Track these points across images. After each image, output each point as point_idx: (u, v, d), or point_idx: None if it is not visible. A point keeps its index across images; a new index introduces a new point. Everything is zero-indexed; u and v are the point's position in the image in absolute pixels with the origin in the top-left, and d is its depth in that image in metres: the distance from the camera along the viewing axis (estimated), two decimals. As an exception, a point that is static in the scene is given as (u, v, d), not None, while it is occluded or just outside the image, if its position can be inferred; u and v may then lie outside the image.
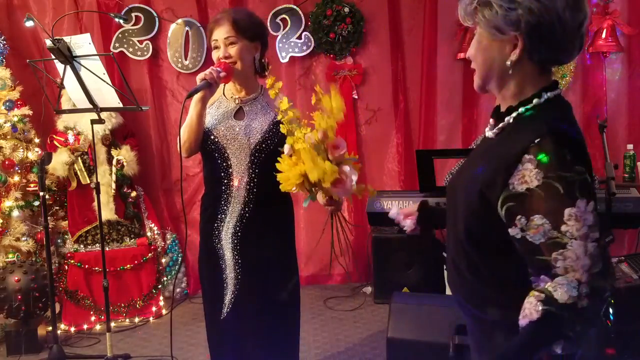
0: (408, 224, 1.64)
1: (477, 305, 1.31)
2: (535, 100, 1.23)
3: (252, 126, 2.40)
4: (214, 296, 2.46)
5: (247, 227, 2.38)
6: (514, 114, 1.25)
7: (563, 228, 1.11)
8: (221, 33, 2.33)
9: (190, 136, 2.34)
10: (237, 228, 2.38)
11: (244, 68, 2.38)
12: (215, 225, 2.42)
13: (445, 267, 2.90)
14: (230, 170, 2.39)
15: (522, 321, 1.13)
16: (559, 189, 1.12)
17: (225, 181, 2.39)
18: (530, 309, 1.12)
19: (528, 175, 1.14)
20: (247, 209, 2.38)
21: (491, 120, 1.35)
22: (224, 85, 2.49)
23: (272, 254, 2.30)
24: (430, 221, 1.65)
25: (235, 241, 2.39)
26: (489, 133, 1.33)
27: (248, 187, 2.38)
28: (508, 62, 1.22)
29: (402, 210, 1.67)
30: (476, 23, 1.24)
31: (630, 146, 4.06)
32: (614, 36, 4.23)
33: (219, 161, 2.39)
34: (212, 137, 2.37)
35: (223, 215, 2.40)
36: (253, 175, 2.38)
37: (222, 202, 2.40)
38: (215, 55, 2.35)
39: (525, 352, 1.15)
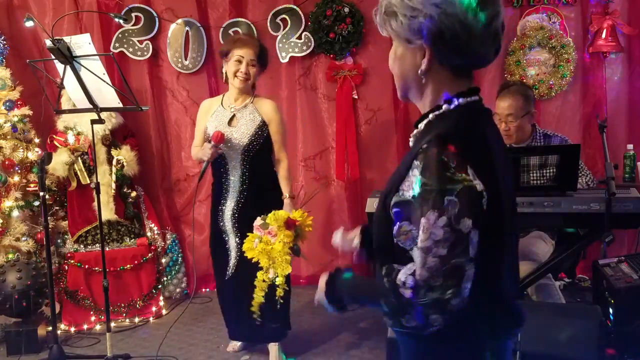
0: (348, 246, 1.51)
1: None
2: (444, 107, 1.20)
3: (241, 131, 3.04)
4: (221, 262, 3.18)
5: (244, 209, 3.07)
6: (425, 121, 1.23)
7: (419, 235, 1.09)
8: (248, 54, 3.01)
9: (199, 162, 3.25)
10: (235, 210, 3.11)
11: (251, 84, 3.09)
12: (220, 208, 3.15)
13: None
14: (228, 167, 3.08)
15: None
16: (424, 197, 1.08)
17: (225, 175, 3.10)
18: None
19: (414, 182, 1.11)
20: (242, 196, 3.09)
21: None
22: (223, 95, 3.17)
23: None
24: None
25: (233, 220, 3.11)
26: (410, 145, 1.29)
27: (241, 180, 3.07)
28: (419, 71, 1.20)
29: (346, 235, 1.53)
30: (389, 33, 1.22)
31: (630, 146, 4.05)
32: (614, 36, 4.23)
33: (219, 160, 3.08)
34: (212, 141, 2.98)
35: (224, 201, 3.13)
36: (245, 170, 3.06)
37: (224, 191, 3.12)
38: (234, 66, 3.01)
39: (360, 297, 1.30)
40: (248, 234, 2.42)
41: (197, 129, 3.23)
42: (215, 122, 3.07)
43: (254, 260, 2.38)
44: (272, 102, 3.20)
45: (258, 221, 2.42)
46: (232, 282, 3.14)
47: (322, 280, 1.35)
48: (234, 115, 3.08)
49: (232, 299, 3.18)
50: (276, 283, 2.40)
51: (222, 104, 3.13)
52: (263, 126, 3.07)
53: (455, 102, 1.19)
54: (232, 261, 3.13)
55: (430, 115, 1.22)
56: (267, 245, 2.33)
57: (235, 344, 3.40)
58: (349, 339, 3.54)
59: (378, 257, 1.28)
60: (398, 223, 1.14)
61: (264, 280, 2.38)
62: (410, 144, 1.28)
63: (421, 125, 1.24)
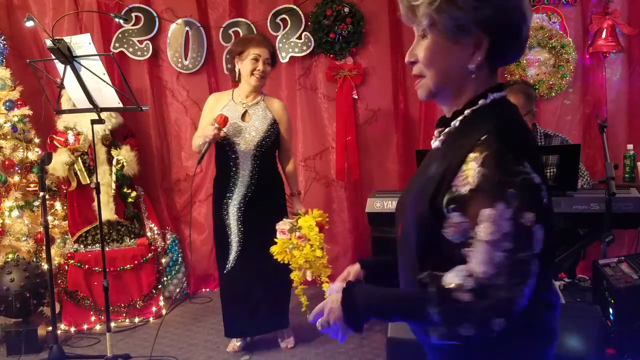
0: None
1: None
2: (480, 102, 1.15)
3: (255, 126, 3.12)
4: (221, 255, 3.23)
5: (249, 205, 3.15)
6: (460, 118, 1.16)
7: (477, 228, 1.02)
8: (264, 53, 3.10)
9: (198, 152, 3.05)
10: (241, 204, 3.15)
11: (265, 82, 3.19)
12: (224, 201, 3.17)
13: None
14: (238, 161, 3.12)
15: None
16: (486, 187, 1.02)
17: (234, 169, 3.13)
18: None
19: (471, 176, 1.04)
20: (249, 191, 3.14)
21: (436, 132, 1.25)
22: (233, 91, 3.23)
23: (268, 225, 2.64)
24: (379, 276, 1.45)
25: (239, 214, 3.15)
26: (435, 144, 1.23)
27: (251, 174, 3.13)
28: (472, 66, 1.12)
29: (344, 276, 1.42)
30: (432, 24, 1.12)
31: (630, 146, 4.06)
32: (614, 36, 4.23)
33: (229, 153, 3.12)
34: (225, 134, 3.04)
35: (230, 194, 3.16)
36: (255, 165, 3.12)
37: (231, 185, 3.15)
38: (251, 65, 3.08)
39: (390, 309, 1.13)
40: (277, 239, 2.46)
41: (202, 120, 3.24)
42: (228, 115, 3.09)
43: (284, 261, 2.44)
44: (280, 101, 3.33)
45: (283, 224, 2.45)
46: (231, 276, 3.21)
47: (333, 301, 1.19)
48: (246, 111, 3.15)
49: (232, 292, 3.24)
50: (323, 289, 2.41)
51: (233, 99, 3.19)
52: (274, 124, 3.18)
53: (491, 97, 1.15)
54: (232, 255, 3.19)
55: (466, 111, 1.15)
56: (300, 250, 2.39)
57: (235, 344, 3.40)
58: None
59: (422, 264, 1.15)
60: (449, 214, 1.07)
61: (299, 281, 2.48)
62: (437, 143, 1.22)
63: (455, 123, 1.17)
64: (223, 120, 2.96)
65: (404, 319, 1.14)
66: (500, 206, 1.00)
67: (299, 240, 2.40)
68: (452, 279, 1.02)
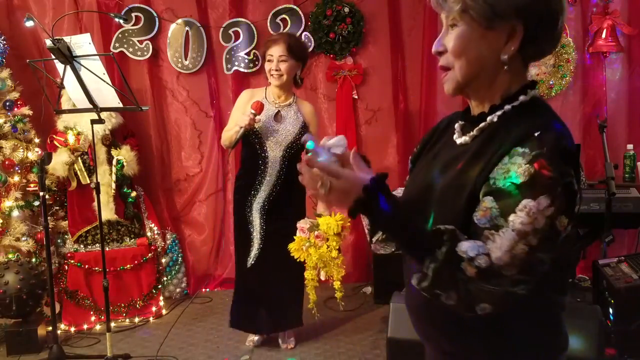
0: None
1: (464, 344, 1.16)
2: (521, 98, 1.11)
3: (287, 128, 3.15)
4: (243, 250, 3.27)
5: (273, 203, 3.18)
6: (499, 113, 1.11)
7: (510, 217, 0.98)
8: (277, 51, 3.06)
9: (228, 144, 3.11)
10: (265, 203, 3.19)
11: (288, 80, 3.13)
12: (249, 198, 3.20)
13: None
14: (267, 161, 3.14)
15: None
16: (533, 182, 0.99)
17: (262, 168, 3.16)
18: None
19: (514, 170, 1.01)
20: (274, 190, 3.17)
21: (457, 126, 1.21)
22: (266, 89, 3.22)
23: (289, 224, 2.77)
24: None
25: (263, 212, 3.19)
26: (462, 139, 1.17)
27: (278, 175, 3.15)
28: (505, 56, 1.08)
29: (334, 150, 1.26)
30: (465, 9, 1.07)
31: (630, 146, 4.06)
32: (614, 36, 4.23)
33: (259, 152, 3.14)
34: (256, 132, 3.09)
35: (255, 192, 3.19)
36: (283, 166, 3.15)
37: (257, 183, 3.17)
38: (267, 66, 3.10)
39: (404, 232, 1.05)
40: (296, 236, 2.52)
41: (233, 115, 3.24)
42: (262, 114, 3.10)
43: (300, 258, 2.51)
44: (311, 105, 3.37)
45: (304, 222, 2.51)
46: (253, 272, 3.25)
47: (351, 178, 1.07)
48: (278, 111, 3.17)
49: (252, 288, 3.29)
50: (335, 288, 2.53)
51: (266, 97, 3.20)
52: (304, 127, 3.19)
53: (530, 94, 1.12)
54: (254, 252, 3.24)
55: (506, 107, 1.11)
56: (318, 249, 2.45)
57: (253, 338, 3.43)
58: (349, 338, 3.54)
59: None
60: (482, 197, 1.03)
61: (312, 279, 2.56)
62: (465, 138, 1.16)
63: (493, 118, 1.12)
64: (260, 107, 2.99)
65: (404, 248, 1.11)
66: (545, 201, 0.97)
67: (317, 240, 2.45)
68: (467, 249, 0.99)
